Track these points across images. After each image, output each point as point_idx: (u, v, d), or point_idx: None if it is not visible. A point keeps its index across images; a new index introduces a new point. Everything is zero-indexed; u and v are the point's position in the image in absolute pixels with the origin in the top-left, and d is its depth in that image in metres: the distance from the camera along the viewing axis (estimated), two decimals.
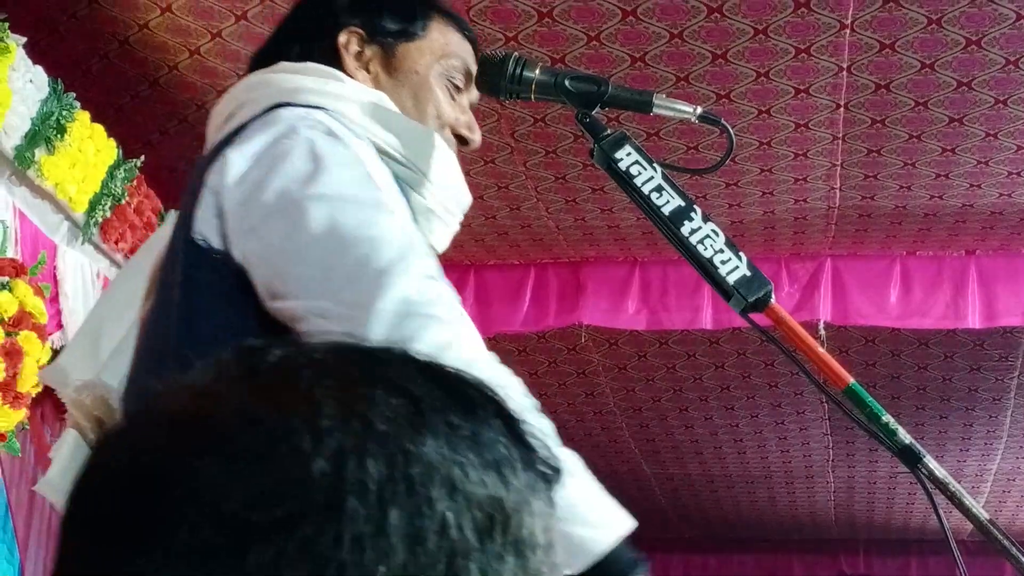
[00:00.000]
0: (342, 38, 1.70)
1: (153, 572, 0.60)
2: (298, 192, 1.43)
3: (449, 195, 1.68)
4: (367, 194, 1.45)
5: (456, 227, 1.73)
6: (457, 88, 1.77)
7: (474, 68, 1.79)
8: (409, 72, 1.72)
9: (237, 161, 1.49)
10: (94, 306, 1.77)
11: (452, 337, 1.35)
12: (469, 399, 0.68)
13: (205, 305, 1.48)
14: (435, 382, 0.68)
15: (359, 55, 1.71)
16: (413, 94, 1.72)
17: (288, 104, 1.56)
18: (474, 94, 1.80)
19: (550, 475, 0.69)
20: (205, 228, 1.48)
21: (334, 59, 1.68)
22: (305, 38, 1.71)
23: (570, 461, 1.34)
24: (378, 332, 1.32)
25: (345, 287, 1.37)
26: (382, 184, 1.49)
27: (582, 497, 1.36)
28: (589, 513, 1.35)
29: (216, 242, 1.47)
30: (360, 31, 1.72)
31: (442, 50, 1.74)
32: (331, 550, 0.59)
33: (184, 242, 1.51)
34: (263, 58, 1.72)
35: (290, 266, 1.41)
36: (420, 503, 0.61)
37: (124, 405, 1.55)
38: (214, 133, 1.63)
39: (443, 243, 1.70)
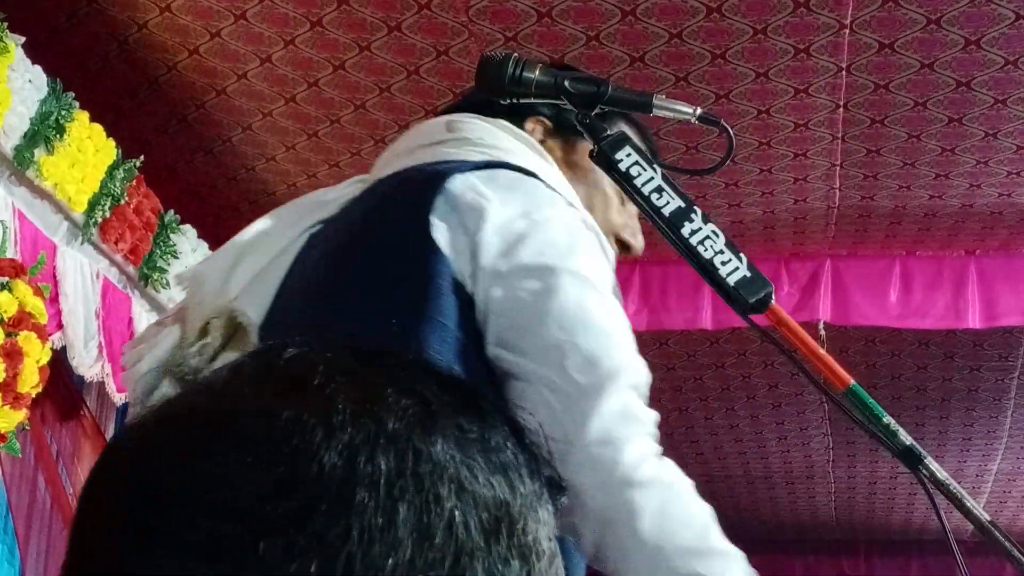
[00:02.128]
0: (529, 125, 1.74)
1: (167, 567, 0.61)
2: (558, 262, 1.47)
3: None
4: (607, 288, 1.52)
5: None
6: (623, 202, 1.81)
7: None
8: (584, 169, 1.75)
9: (498, 210, 1.51)
10: (234, 240, 1.70)
11: (653, 449, 1.42)
12: (479, 405, 0.69)
13: (444, 314, 1.48)
14: (446, 387, 0.69)
15: (542, 142, 1.74)
16: (587, 192, 1.76)
17: (522, 170, 1.60)
18: (634, 211, 1.83)
19: (555, 486, 0.70)
20: (447, 247, 1.50)
21: None
22: (495, 112, 1.72)
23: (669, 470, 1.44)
24: (597, 425, 1.39)
25: (580, 371, 1.42)
26: (609, 279, 1.56)
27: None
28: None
29: (454, 265, 1.49)
30: (547, 122, 1.76)
31: None
32: (341, 542, 0.60)
33: (421, 237, 1.50)
34: (464, 102, 1.78)
35: (532, 326, 1.45)
36: (429, 500, 0.62)
37: (275, 333, 1.52)
38: (412, 146, 1.69)
39: None
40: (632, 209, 1.81)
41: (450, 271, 1.49)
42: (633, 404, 1.44)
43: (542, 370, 1.43)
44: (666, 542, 1.37)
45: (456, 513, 0.63)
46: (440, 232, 1.50)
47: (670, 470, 1.42)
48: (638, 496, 1.37)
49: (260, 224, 1.71)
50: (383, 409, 0.65)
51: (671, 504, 1.39)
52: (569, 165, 1.76)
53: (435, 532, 0.62)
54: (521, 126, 1.73)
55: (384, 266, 1.53)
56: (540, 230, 1.50)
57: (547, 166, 1.68)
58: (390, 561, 0.61)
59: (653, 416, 1.46)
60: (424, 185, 1.55)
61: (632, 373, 1.47)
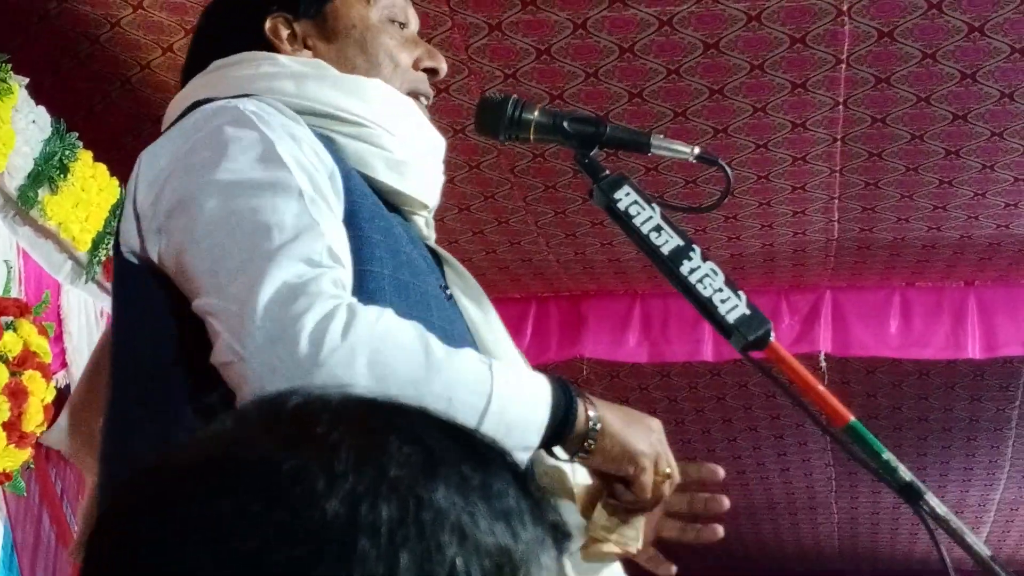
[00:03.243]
0: (268, 26, 1.64)
1: None
2: (194, 184, 1.38)
3: (416, 140, 1.62)
4: (266, 175, 1.37)
5: (439, 175, 1.67)
6: (401, 24, 1.70)
7: None
8: (347, 29, 1.65)
9: (147, 161, 1.45)
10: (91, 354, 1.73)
11: (340, 308, 1.27)
12: (480, 452, 0.69)
13: (134, 320, 1.46)
14: (448, 434, 0.70)
15: (292, 36, 1.65)
16: (360, 49, 1.65)
17: (207, 100, 1.51)
18: (416, 21, 1.73)
19: (560, 533, 0.70)
20: (129, 239, 1.45)
21: (270, 51, 1.62)
22: (231, 41, 1.64)
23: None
24: (260, 325, 1.24)
25: (233, 281, 1.30)
26: (292, 158, 1.40)
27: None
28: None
29: (138, 249, 1.43)
30: (283, 13, 1.65)
31: None
32: None
33: (116, 260, 1.48)
34: (193, 70, 1.67)
35: (189, 263, 1.35)
36: (430, 547, 0.63)
37: (102, 446, 1.50)
38: None
39: (429, 193, 1.64)
40: (413, 32, 1.71)
41: (132, 266, 1.44)
42: (295, 278, 1.28)
43: (205, 300, 1.32)
44: (396, 390, 1.20)
45: (458, 561, 0.63)
46: (125, 234, 1.46)
47: (360, 320, 1.27)
48: (339, 371, 1.23)
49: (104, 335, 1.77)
50: (385, 457, 0.65)
51: (376, 355, 1.26)
52: (328, 36, 1.65)
53: None
54: (264, 36, 1.63)
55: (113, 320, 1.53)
56: (181, 161, 1.41)
57: (270, 64, 1.57)
58: None
59: (328, 273, 1.31)
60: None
61: (293, 247, 1.31)
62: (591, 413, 1.40)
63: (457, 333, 1.51)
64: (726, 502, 1.60)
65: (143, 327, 1.45)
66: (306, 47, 1.65)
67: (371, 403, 0.71)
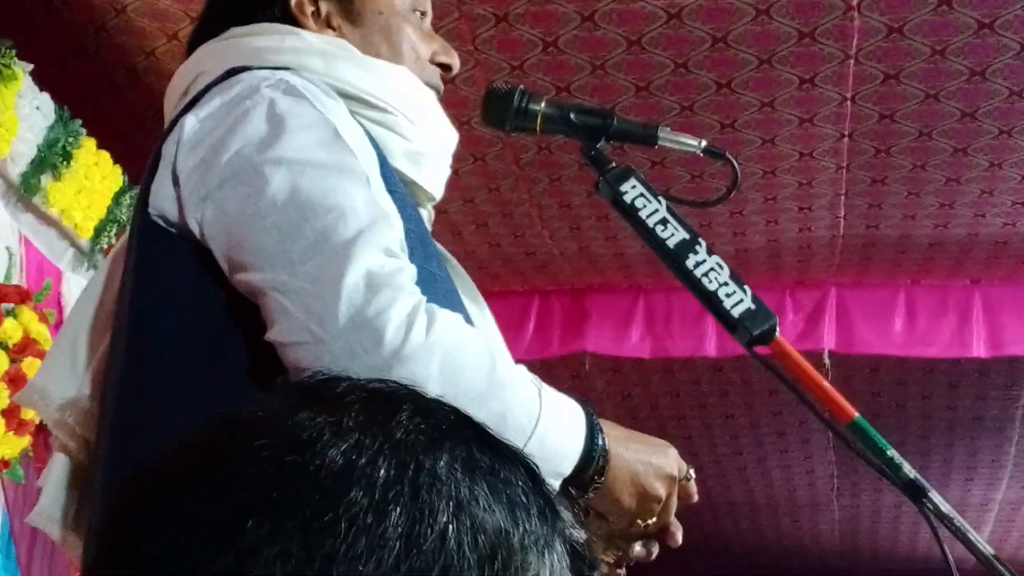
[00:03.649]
0: (294, 1, 1.59)
1: (175, 543, 0.64)
2: (257, 156, 1.34)
3: (435, 133, 1.60)
4: (333, 157, 1.36)
5: (447, 169, 1.64)
6: (423, 13, 1.68)
7: None
8: (373, 14, 1.62)
9: (192, 124, 1.40)
10: (67, 318, 1.62)
11: (421, 306, 1.28)
12: (495, 442, 0.70)
13: (163, 288, 1.40)
14: (466, 422, 0.71)
15: (316, 14, 1.60)
16: (384, 36, 1.62)
17: (248, 68, 1.46)
18: (431, 11, 1.71)
19: (579, 555, 0.70)
20: (162, 203, 1.40)
21: (291, 25, 1.58)
22: (252, 10, 1.58)
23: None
24: (344, 310, 1.24)
25: (307, 260, 1.28)
26: (352, 144, 1.39)
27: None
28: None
29: (173, 215, 1.38)
30: None
31: None
32: (327, 533, 0.62)
33: (140, 223, 1.43)
34: (206, 33, 1.60)
35: (248, 236, 1.32)
36: (423, 510, 0.64)
37: (100, 419, 1.46)
38: (171, 112, 1.53)
39: (438, 187, 1.61)
40: (428, 26, 1.69)
41: (167, 232, 1.39)
42: (379, 268, 1.27)
43: (270, 276, 1.29)
44: (459, 399, 1.21)
45: (450, 528, 0.64)
46: (158, 197, 1.41)
47: (440, 323, 1.28)
48: (416, 369, 1.24)
49: (81, 298, 1.65)
50: (394, 422, 0.67)
51: (450, 360, 1.27)
52: (354, 19, 1.61)
53: (424, 542, 0.63)
54: (287, 10, 1.58)
55: (130, 284, 1.45)
56: (235, 129, 1.37)
57: (295, 39, 1.54)
58: (373, 558, 0.62)
59: (408, 268, 1.32)
60: (152, 158, 1.46)
61: (372, 235, 1.30)
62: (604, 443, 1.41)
63: None
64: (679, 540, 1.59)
65: (170, 301, 1.39)
66: (329, 27, 1.60)
67: (395, 384, 0.73)
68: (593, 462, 1.38)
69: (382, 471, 0.64)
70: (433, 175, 1.59)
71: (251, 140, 1.36)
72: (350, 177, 1.35)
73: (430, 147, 1.58)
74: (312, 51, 1.52)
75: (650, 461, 1.46)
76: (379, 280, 1.26)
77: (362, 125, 1.49)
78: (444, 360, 1.26)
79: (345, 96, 1.49)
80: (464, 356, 1.28)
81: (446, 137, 1.64)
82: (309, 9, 1.60)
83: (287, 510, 0.63)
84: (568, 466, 1.35)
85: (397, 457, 0.65)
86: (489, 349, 1.32)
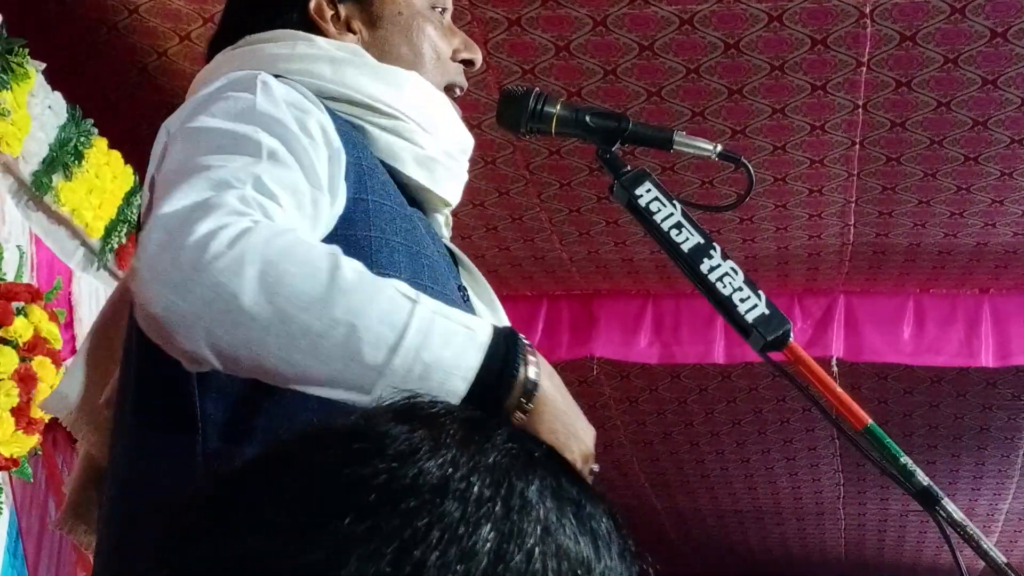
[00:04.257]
0: (312, 5, 1.58)
1: (256, 539, 0.66)
2: (176, 127, 1.34)
3: (448, 139, 1.57)
4: (232, 127, 1.31)
5: (464, 174, 1.62)
6: (442, 10, 1.66)
7: None
8: (392, 16, 1.61)
9: (159, 134, 1.40)
10: (93, 323, 1.61)
11: (237, 222, 1.18)
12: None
13: None
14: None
15: (335, 18, 1.59)
16: (404, 38, 1.60)
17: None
18: (451, 5, 1.69)
19: None
20: (144, 214, 1.39)
21: (311, 30, 1.57)
22: (270, 16, 1.58)
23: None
24: (156, 237, 1.17)
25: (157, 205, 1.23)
26: (270, 122, 1.33)
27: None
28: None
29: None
30: None
31: None
32: (420, 537, 0.64)
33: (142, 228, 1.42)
34: (224, 40, 1.59)
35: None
36: (513, 530, 0.66)
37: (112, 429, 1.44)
38: None
39: (453, 192, 1.58)
40: (448, 19, 1.68)
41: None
42: (203, 197, 1.20)
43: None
44: (288, 308, 1.14)
45: (537, 550, 0.66)
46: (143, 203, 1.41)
47: (257, 233, 1.17)
48: (223, 278, 1.14)
49: (105, 306, 1.64)
50: (489, 444, 0.70)
51: (270, 267, 1.15)
52: (373, 21, 1.60)
53: (512, 559, 0.65)
54: (307, 16, 1.57)
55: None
56: (190, 127, 1.34)
57: (306, 46, 1.52)
58: (462, 568, 0.64)
59: (240, 190, 1.23)
60: None
61: (217, 173, 1.24)
62: (531, 375, 1.24)
63: None
64: None
65: None
66: (349, 30, 1.59)
67: (487, 414, 0.76)
68: (509, 390, 1.21)
69: (476, 488, 0.66)
70: (447, 180, 1.57)
71: (178, 117, 1.37)
72: (244, 146, 1.29)
73: (443, 152, 1.56)
74: (322, 58, 1.51)
75: (578, 427, 1.32)
76: (198, 206, 1.19)
77: (368, 131, 1.49)
78: (262, 267, 1.14)
79: (351, 102, 1.49)
80: (289, 263, 1.16)
81: (462, 142, 1.62)
82: (328, 13, 1.59)
83: (383, 513, 0.64)
84: (461, 384, 1.17)
85: (491, 476, 0.67)
86: (333, 257, 1.18)
